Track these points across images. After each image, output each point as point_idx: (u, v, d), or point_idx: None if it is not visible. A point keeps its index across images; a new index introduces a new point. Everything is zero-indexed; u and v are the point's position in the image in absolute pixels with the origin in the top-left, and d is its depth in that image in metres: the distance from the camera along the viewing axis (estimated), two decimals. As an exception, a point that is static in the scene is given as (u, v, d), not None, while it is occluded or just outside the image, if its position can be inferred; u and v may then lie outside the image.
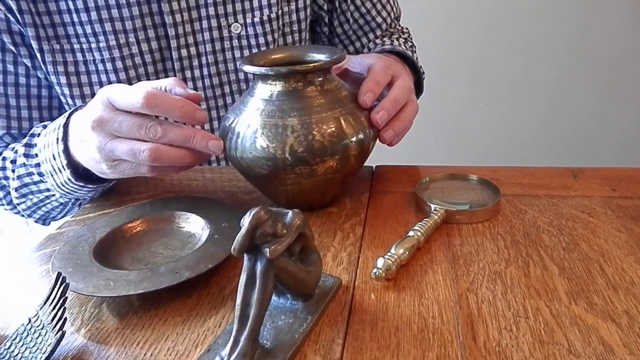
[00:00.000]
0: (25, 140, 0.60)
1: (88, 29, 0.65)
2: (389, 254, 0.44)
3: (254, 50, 0.74)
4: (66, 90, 0.68)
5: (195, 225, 0.52)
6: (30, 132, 0.61)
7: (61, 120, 0.55)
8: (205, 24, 0.71)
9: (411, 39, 0.90)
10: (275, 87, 0.51)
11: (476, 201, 0.56)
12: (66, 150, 0.53)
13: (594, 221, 0.52)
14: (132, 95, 0.47)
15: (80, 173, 0.54)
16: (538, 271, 0.44)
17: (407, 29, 0.91)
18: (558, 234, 0.50)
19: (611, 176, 0.62)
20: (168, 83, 0.51)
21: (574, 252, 0.47)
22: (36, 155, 0.58)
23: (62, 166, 0.54)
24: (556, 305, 0.40)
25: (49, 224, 0.73)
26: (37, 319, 0.38)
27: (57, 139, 0.53)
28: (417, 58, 0.82)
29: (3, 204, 0.69)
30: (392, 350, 0.36)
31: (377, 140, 0.56)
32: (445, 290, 0.42)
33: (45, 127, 0.59)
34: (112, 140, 0.49)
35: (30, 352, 0.36)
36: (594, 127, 1.83)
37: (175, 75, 0.71)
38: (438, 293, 0.42)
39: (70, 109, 0.70)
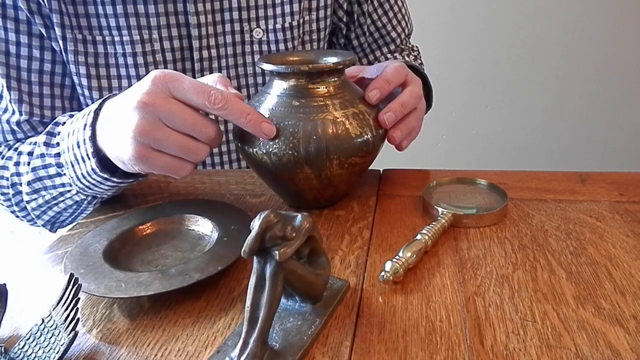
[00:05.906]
0: (47, 129, 0.58)
1: (112, 22, 0.66)
2: (397, 257, 0.45)
3: None
4: (84, 81, 0.68)
5: (204, 227, 0.52)
6: (55, 120, 0.59)
7: (93, 106, 0.51)
8: (228, 27, 0.71)
9: (420, 57, 0.93)
10: (290, 85, 0.52)
11: (483, 205, 0.56)
12: (93, 137, 0.50)
13: (602, 226, 0.52)
14: (201, 90, 0.46)
15: (106, 164, 0.51)
16: (545, 275, 0.45)
17: (416, 47, 0.94)
18: (565, 238, 0.50)
19: (619, 181, 0.62)
20: (212, 80, 0.50)
21: (581, 256, 0.47)
22: (57, 144, 0.55)
23: (88, 154, 0.50)
24: (563, 309, 0.40)
25: (55, 230, 0.70)
26: (50, 320, 0.39)
27: (85, 124, 0.50)
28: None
29: (11, 205, 0.66)
30: (400, 353, 0.36)
31: (385, 144, 0.56)
32: (452, 293, 0.43)
33: (71, 116, 0.56)
34: (162, 129, 0.46)
35: (43, 352, 0.37)
36: (602, 132, 1.82)
37: (194, 76, 0.70)
38: (445, 296, 0.42)
39: (85, 100, 0.70)
